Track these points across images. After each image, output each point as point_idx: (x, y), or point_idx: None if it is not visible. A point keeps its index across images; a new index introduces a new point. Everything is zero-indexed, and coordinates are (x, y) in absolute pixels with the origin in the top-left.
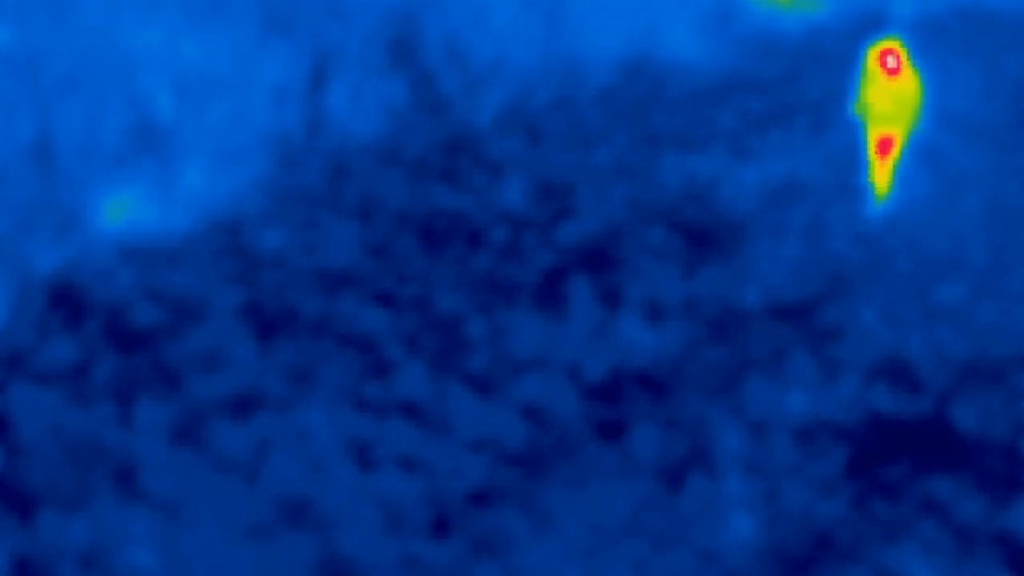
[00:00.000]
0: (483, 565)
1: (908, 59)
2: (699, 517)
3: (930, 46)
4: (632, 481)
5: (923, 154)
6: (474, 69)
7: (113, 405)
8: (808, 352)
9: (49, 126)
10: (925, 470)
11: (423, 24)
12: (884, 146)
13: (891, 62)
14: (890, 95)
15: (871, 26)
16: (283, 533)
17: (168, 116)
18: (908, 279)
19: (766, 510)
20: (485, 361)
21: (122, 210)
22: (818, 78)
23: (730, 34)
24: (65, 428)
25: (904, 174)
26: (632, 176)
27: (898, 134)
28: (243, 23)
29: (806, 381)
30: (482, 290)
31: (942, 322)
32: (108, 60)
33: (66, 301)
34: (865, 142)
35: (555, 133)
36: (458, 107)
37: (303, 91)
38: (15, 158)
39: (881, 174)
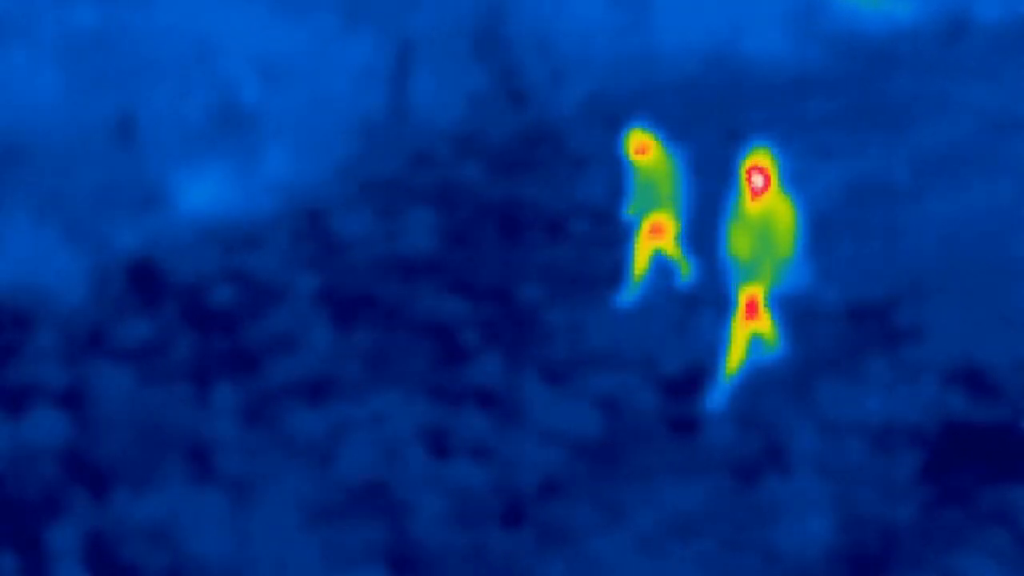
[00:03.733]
0: (552, 556)
1: (776, 172)
2: (769, 516)
3: (1018, 51)
4: (704, 477)
5: (1007, 159)
6: (558, 60)
7: (188, 385)
8: (885, 354)
9: (133, 107)
10: (998, 477)
11: (508, 15)
12: (751, 308)
13: (757, 180)
14: (757, 227)
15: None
16: (354, 518)
17: (252, 100)
18: (987, 283)
19: (837, 512)
20: (562, 352)
21: (203, 191)
22: (900, 78)
23: (813, 32)
24: (140, 406)
25: (984, 180)
26: (709, 171)
27: (764, 288)
28: (329, 10)
29: (882, 383)
30: (561, 281)
31: (1021, 327)
32: (194, 43)
33: (145, 280)
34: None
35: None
36: (541, 98)
37: (387, 78)
38: (99, 138)
39: (738, 347)
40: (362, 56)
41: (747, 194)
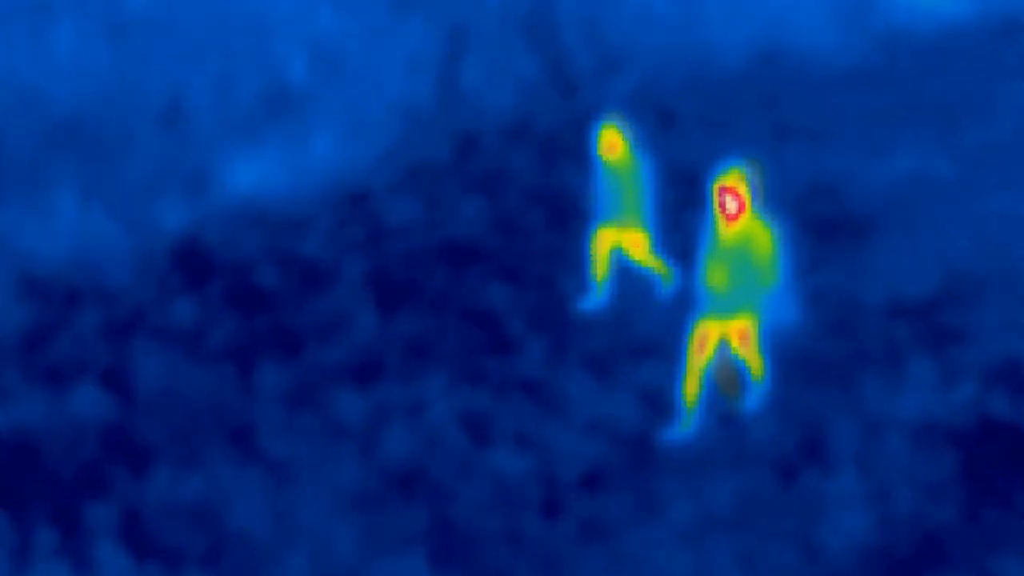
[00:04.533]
0: (590, 547)
1: (754, 193)
2: (809, 512)
3: None
4: (744, 471)
5: None
6: (608, 50)
7: (232, 366)
8: (927, 353)
9: (183, 88)
10: None
11: (559, 3)
12: (740, 340)
13: (731, 204)
14: (733, 255)
15: (1007, 27)
16: (394, 503)
17: (301, 84)
18: None
19: (876, 510)
20: (606, 343)
21: (251, 173)
22: (950, 76)
23: (863, 27)
24: (183, 386)
25: None
26: (762, 165)
27: (747, 322)
28: None
29: (923, 382)
30: (608, 274)
31: None
32: (244, 25)
33: (191, 260)
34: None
35: (685, 118)
36: (590, 87)
37: (437, 65)
38: (147, 118)
39: (693, 381)
40: (412, 41)
41: (720, 219)
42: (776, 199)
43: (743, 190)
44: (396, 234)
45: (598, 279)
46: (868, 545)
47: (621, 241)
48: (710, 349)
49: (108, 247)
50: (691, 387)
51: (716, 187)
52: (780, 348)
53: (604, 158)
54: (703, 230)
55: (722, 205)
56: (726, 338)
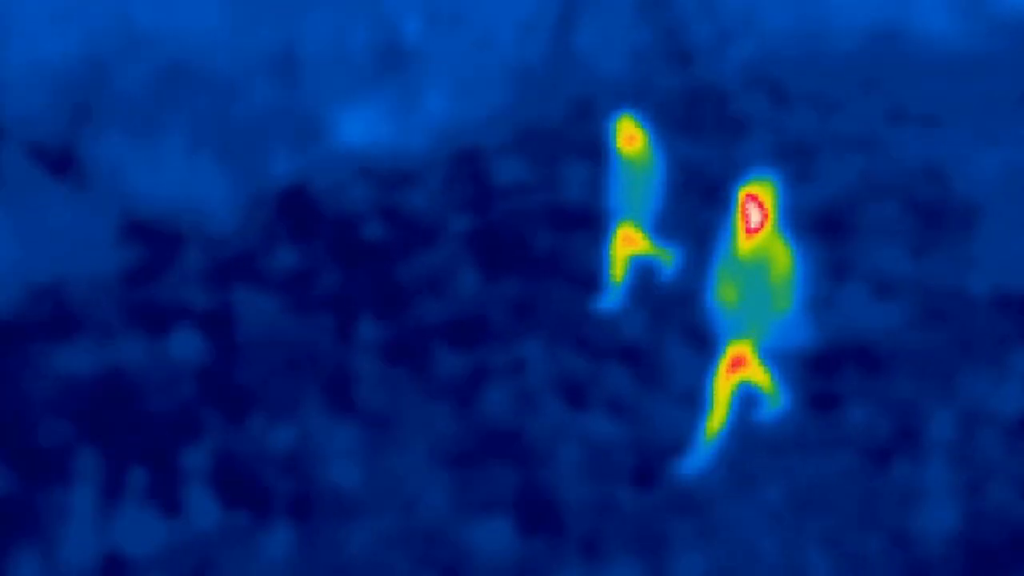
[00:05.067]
0: (679, 519)
1: (772, 203)
2: (898, 500)
3: None
4: (836, 455)
5: None
6: (723, 22)
7: (333, 317)
8: None
9: (295, 39)
10: None
11: None
12: (737, 364)
13: (754, 216)
14: (748, 270)
15: None
16: (487, 463)
17: (415, 39)
18: None
19: (966, 502)
20: (703, 314)
21: (361, 127)
22: None
23: (982, 12)
24: (283, 334)
25: None
26: (871, 147)
27: (753, 344)
28: None
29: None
30: (711, 244)
31: None
32: None
33: (297, 210)
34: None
35: (799, 95)
36: (704, 59)
37: (551, 27)
38: (260, 67)
39: (720, 407)
40: (527, 2)
41: (741, 230)
42: (883, 183)
43: (769, 202)
44: (503, 194)
45: (615, 278)
46: (954, 537)
47: (634, 238)
48: (742, 369)
49: (215, 192)
50: (718, 415)
51: (742, 195)
52: (878, 336)
53: (621, 151)
54: (722, 238)
55: (745, 215)
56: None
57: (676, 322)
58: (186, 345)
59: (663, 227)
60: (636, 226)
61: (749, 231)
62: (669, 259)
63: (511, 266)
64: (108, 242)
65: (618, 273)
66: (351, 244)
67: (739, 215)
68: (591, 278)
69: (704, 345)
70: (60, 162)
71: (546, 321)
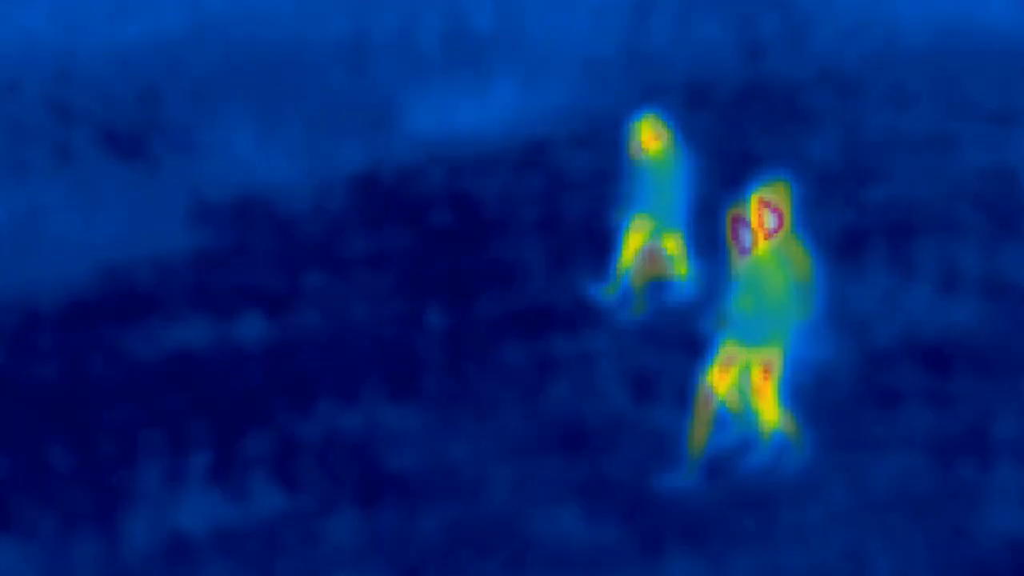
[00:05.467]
0: (743, 514)
1: (788, 206)
2: (962, 500)
3: None
4: (901, 453)
5: None
6: (795, 16)
7: (401, 303)
8: None
9: (367, 25)
10: None
11: None
12: (762, 376)
13: (770, 220)
14: (762, 277)
15: None
16: (551, 454)
17: (486, 27)
18: None
19: None
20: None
21: (431, 114)
22: None
23: None
24: (351, 320)
25: None
26: (942, 145)
27: (773, 356)
28: None
29: None
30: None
31: None
32: None
33: (367, 196)
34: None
35: (869, 91)
36: (776, 54)
37: (624, 18)
38: (331, 53)
39: (702, 422)
40: None
41: (757, 235)
42: (953, 180)
43: (784, 206)
44: (573, 185)
45: (621, 272)
46: (1021, 538)
47: (654, 236)
48: (727, 384)
49: (285, 179)
50: (699, 431)
51: (755, 200)
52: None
53: (643, 151)
54: (738, 247)
55: (760, 220)
56: (746, 370)
57: None
58: (254, 329)
59: (719, 222)
60: (664, 226)
61: (765, 236)
62: (687, 273)
63: (580, 256)
64: (178, 225)
65: (624, 267)
66: (421, 231)
67: (754, 220)
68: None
69: None
70: (131, 145)
71: (613, 313)
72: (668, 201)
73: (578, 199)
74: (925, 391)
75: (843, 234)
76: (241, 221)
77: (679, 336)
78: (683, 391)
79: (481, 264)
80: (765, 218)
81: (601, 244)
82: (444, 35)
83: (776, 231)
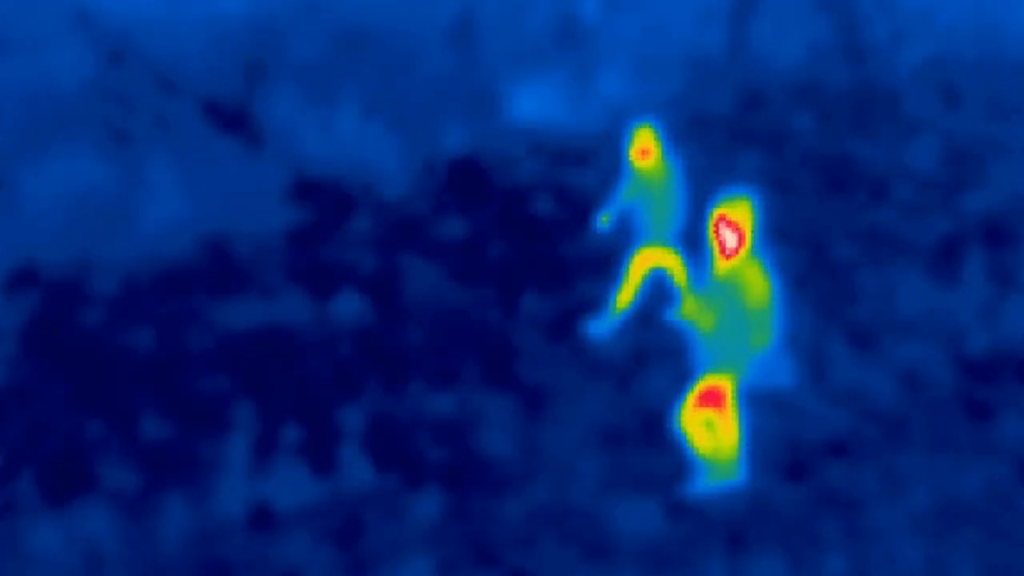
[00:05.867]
0: (828, 517)
1: (750, 225)
2: None
3: None
4: (989, 465)
5: None
6: (900, 21)
7: (497, 289)
8: None
9: (473, 10)
10: None
11: None
12: (711, 397)
13: (729, 238)
14: (722, 297)
15: None
16: (641, 446)
17: (592, 19)
18: None
19: None
20: (869, 315)
21: (534, 102)
22: None
23: None
24: (446, 303)
25: None
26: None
27: (728, 381)
28: None
29: None
30: (877, 244)
31: None
32: None
33: (467, 181)
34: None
35: (972, 98)
36: (879, 57)
37: (728, 16)
38: (437, 37)
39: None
40: None
41: (716, 254)
42: None
43: (746, 224)
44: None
45: (622, 301)
46: None
47: (658, 261)
48: (713, 408)
49: (386, 158)
50: (701, 438)
51: (715, 216)
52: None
53: (636, 164)
54: (700, 264)
55: (719, 238)
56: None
57: (840, 320)
58: (349, 307)
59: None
60: (657, 243)
61: (725, 255)
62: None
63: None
64: (277, 201)
65: (625, 297)
66: (519, 218)
67: (713, 237)
68: None
69: (867, 346)
70: (233, 119)
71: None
72: (663, 217)
73: None
74: (1017, 402)
75: (940, 242)
76: (340, 200)
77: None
78: (775, 392)
79: (578, 253)
80: (725, 237)
81: (694, 240)
82: (551, 24)
83: (736, 252)
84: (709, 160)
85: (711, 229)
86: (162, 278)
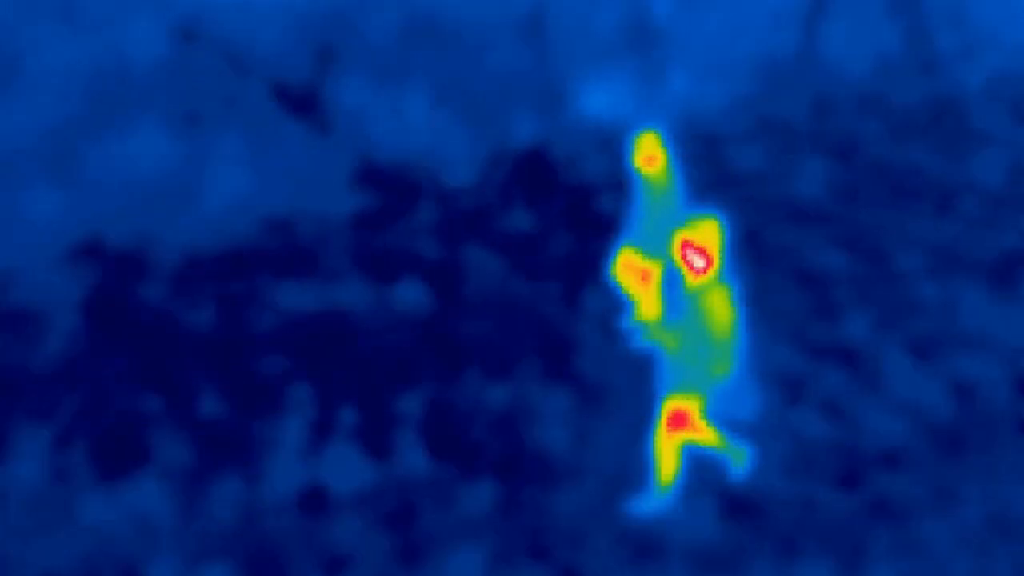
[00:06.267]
0: (878, 527)
1: (719, 246)
2: None
3: None
4: None
5: None
6: (971, 34)
7: (560, 283)
8: None
9: (547, 4)
10: None
11: None
12: (677, 420)
13: (696, 259)
14: (688, 319)
15: None
16: (696, 446)
17: (664, 17)
18: None
19: None
20: (930, 327)
21: (603, 99)
22: None
23: None
24: (508, 294)
25: None
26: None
27: (696, 400)
28: None
29: None
30: (942, 256)
31: None
32: None
33: (533, 174)
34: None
35: None
36: (950, 68)
37: (800, 21)
38: (509, 29)
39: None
40: None
41: (684, 274)
42: None
43: (713, 246)
44: (739, 182)
45: (647, 304)
46: None
47: (639, 268)
48: (683, 429)
49: (453, 148)
50: (667, 464)
51: (680, 238)
52: None
53: (642, 172)
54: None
55: (685, 260)
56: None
57: (900, 329)
58: (410, 294)
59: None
60: (647, 252)
61: (693, 275)
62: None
63: (740, 253)
64: (343, 185)
65: (651, 300)
66: (584, 214)
67: (678, 260)
68: (816, 275)
69: (925, 358)
70: (303, 102)
71: (768, 313)
72: (655, 225)
73: (744, 196)
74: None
75: (1003, 257)
76: (406, 187)
77: (833, 344)
78: (831, 399)
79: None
80: (691, 260)
81: (761, 242)
82: (623, 21)
83: (702, 274)
84: (775, 165)
85: (677, 251)
86: (225, 257)
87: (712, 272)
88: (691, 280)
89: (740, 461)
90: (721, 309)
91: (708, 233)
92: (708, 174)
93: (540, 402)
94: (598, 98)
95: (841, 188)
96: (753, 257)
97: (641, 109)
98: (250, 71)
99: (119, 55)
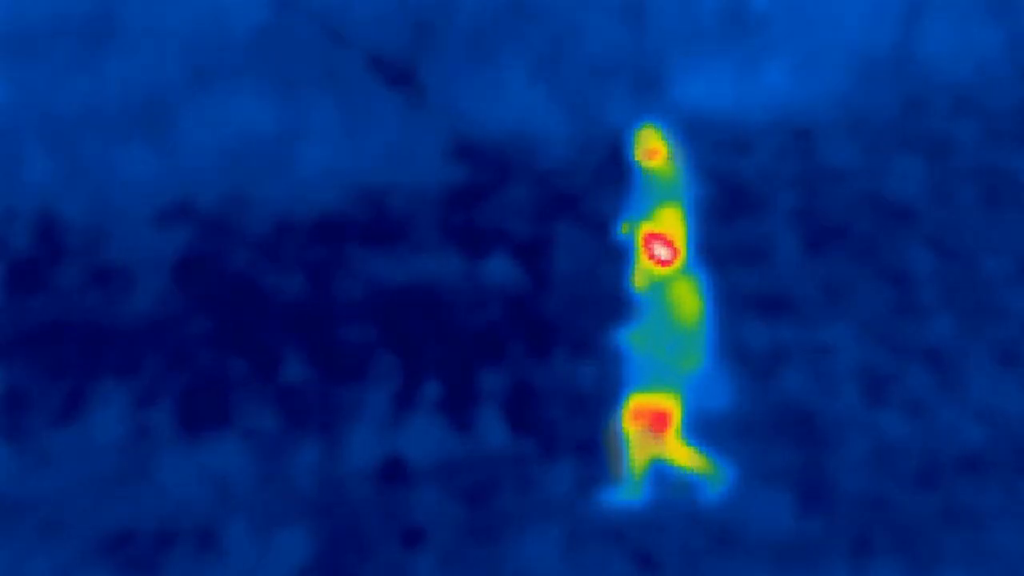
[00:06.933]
0: (951, 532)
1: (682, 236)
2: None
3: None
4: None
5: None
6: None
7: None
8: None
9: None
10: None
11: None
12: (659, 422)
13: (660, 251)
14: (653, 313)
15: None
16: (774, 440)
17: (763, 8)
18: None
19: None
20: (1016, 333)
21: (699, 87)
22: None
23: None
24: (597, 275)
25: None
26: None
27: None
28: None
29: None
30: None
31: None
32: None
33: (626, 157)
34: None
35: None
36: None
37: (899, 18)
38: (607, 10)
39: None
40: None
41: (650, 268)
42: None
43: (678, 238)
44: (831, 176)
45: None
46: None
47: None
48: (658, 431)
49: (548, 127)
50: (637, 456)
51: (645, 232)
52: None
53: (643, 166)
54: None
55: (650, 252)
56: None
57: (986, 333)
58: (500, 271)
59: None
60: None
61: (658, 267)
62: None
63: (829, 248)
64: (436, 159)
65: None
66: None
67: (643, 254)
68: (905, 274)
69: (1009, 364)
70: (399, 75)
71: (855, 309)
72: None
73: (835, 191)
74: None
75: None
76: (499, 163)
77: (920, 343)
78: (914, 399)
79: (731, 241)
80: (657, 251)
81: (850, 237)
82: (721, 9)
83: (667, 265)
84: (868, 160)
85: (641, 243)
86: (315, 224)
87: (678, 263)
88: (656, 271)
89: (717, 482)
90: (688, 301)
91: (671, 223)
92: (800, 166)
93: (621, 380)
94: (693, 86)
95: (932, 188)
96: (841, 250)
97: (736, 99)
98: (348, 41)
99: (219, 20)
